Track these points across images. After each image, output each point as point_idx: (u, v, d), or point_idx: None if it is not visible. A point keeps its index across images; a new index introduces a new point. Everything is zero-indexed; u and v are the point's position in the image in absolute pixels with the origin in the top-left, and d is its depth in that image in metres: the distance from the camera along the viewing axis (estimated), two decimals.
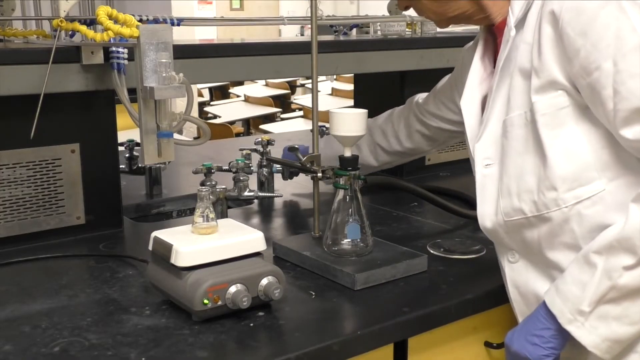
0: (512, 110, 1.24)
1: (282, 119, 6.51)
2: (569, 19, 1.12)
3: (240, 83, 8.27)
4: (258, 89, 7.85)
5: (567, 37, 1.13)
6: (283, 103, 7.58)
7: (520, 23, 1.23)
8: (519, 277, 1.30)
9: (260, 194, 1.93)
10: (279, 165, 1.93)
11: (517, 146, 1.23)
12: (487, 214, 1.30)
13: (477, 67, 1.37)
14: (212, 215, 1.26)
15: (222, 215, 1.78)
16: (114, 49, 1.51)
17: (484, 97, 1.35)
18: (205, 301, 1.16)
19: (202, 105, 7.63)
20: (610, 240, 1.12)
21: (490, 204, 1.30)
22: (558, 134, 1.18)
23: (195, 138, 4.61)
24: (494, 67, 1.33)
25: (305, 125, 5.55)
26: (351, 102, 2.58)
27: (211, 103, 8.01)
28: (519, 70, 1.22)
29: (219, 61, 1.72)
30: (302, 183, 2.10)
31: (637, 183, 1.15)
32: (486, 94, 1.34)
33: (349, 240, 1.44)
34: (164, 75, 1.33)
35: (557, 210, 1.19)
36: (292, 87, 8.36)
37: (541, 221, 1.22)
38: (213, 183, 1.81)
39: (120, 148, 1.89)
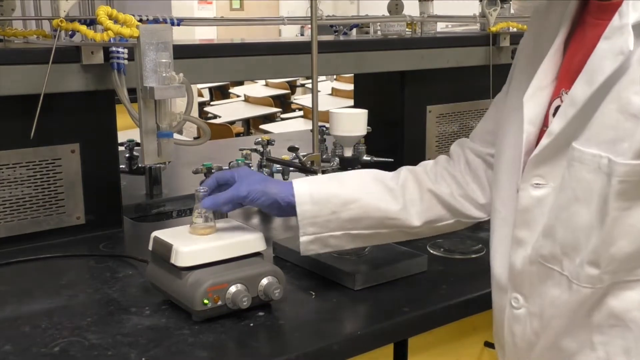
0: (588, 142, 0.94)
1: (282, 119, 6.50)
2: None
3: (240, 83, 8.27)
4: (258, 89, 7.84)
5: None
6: (283, 103, 7.57)
7: None
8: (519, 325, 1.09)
9: None
10: (279, 165, 1.93)
11: (577, 189, 0.96)
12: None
13: (553, 60, 1.06)
14: (210, 216, 1.26)
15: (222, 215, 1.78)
16: (114, 49, 1.51)
17: (550, 98, 1.06)
18: (205, 301, 1.16)
19: (202, 105, 7.62)
20: None
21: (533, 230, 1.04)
22: (630, 205, 0.92)
23: (195, 138, 4.61)
24: (575, 66, 1.02)
25: (305, 125, 5.54)
26: (351, 102, 2.58)
27: (211, 103, 8.00)
28: (624, 99, 0.90)
29: (219, 61, 1.71)
30: None
31: None
32: (553, 97, 1.06)
33: None
34: (164, 75, 1.33)
35: (590, 289, 0.98)
36: (292, 87, 8.35)
37: (571, 290, 0.99)
38: None
39: (120, 148, 1.89)
